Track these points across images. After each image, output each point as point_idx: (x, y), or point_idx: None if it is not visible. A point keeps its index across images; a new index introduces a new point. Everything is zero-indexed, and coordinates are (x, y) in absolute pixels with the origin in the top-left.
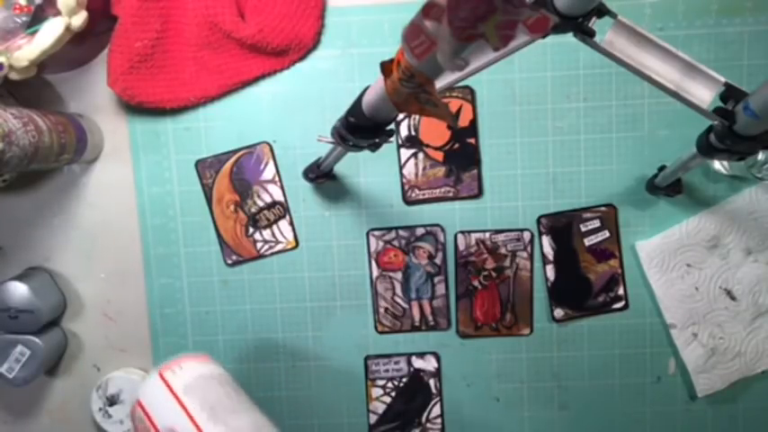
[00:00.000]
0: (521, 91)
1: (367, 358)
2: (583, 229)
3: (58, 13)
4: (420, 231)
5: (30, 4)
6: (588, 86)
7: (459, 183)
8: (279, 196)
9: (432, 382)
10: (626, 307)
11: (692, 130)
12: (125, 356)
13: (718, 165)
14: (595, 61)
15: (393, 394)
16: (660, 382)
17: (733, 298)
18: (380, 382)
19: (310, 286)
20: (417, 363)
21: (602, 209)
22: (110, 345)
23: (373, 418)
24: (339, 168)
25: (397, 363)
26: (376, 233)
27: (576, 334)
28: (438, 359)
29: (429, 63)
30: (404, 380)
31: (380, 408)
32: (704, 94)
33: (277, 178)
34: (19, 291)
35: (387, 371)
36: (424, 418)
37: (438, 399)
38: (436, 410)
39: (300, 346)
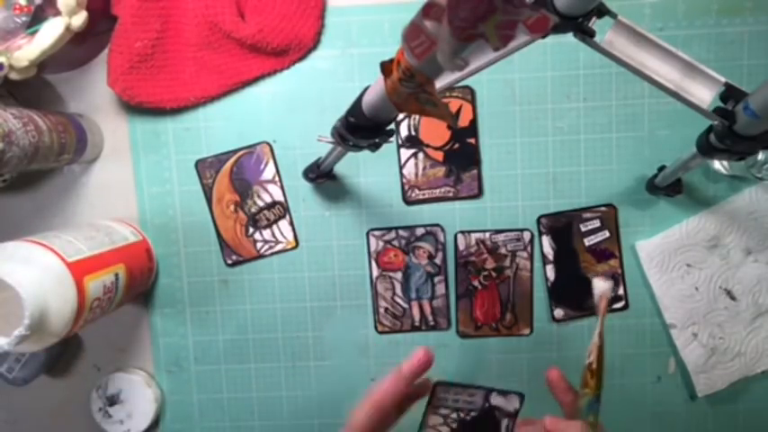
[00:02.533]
0: (521, 91)
1: (437, 385)
2: (583, 229)
3: (58, 13)
4: (420, 231)
5: (30, 4)
6: (588, 86)
7: (459, 183)
8: (279, 196)
9: (505, 422)
10: (626, 307)
11: (692, 130)
12: (125, 356)
13: (718, 165)
14: (595, 61)
15: (454, 426)
16: (660, 382)
17: (733, 298)
18: (444, 411)
19: (310, 286)
20: (496, 400)
21: (602, 209)
22: (110, 345)
23: None
24: (339, 168)
25: (471, 395)
26: (376, 233)
27: (575, 334)
28: (522, 401)
29: (429, 63)
30: (472, 413)
31: None
32: (704, 94)
33: (277, 178)
34: None
35: (456, 401)
36: None
37: None
38: None
39: (300, 346)
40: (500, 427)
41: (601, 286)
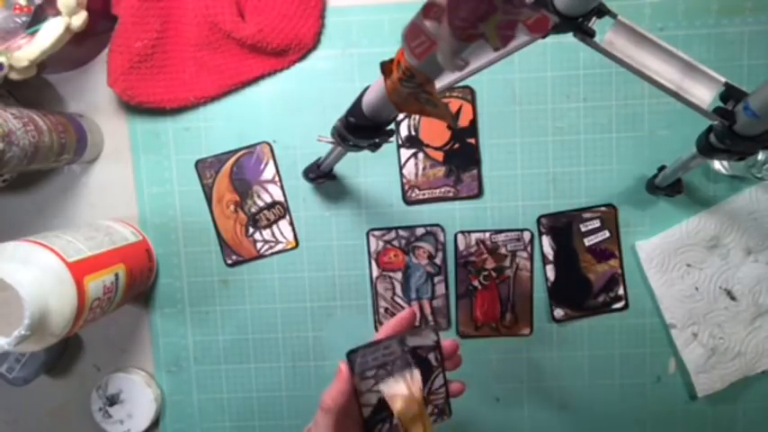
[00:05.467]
0: (521, 91)
1: (350, 353)
2: (583, 229)
3: (58, 13)
4: (420, 231)
5: (30, 4)
6: (588, 86)
7: (459, 183)
8: (279, 196)
9: (431, 355)
10: (626, 307)
11: (692, 130)
12: (125, 356)
13: (718, 165)
14: (595, 61)
15: (389, 380)
16: (660, 382)
17: (733, 298)
18: (370, 373)
19: (310, 286)
20: (413, 341)
21: (602, 209)
22: (110, 345)
23: (367, 411)
24: (339, 168)
25: (387, 347)
26: (376, 233)
27: (575, 334)
28: (435, 331)
29: (429, 63)
30: (397, 362)
31: (375, 397)
32: (704, 94)
33: (277, 178)
34: None
35: (376, 359)
36: (426, 392)
37: (440, 369)
38: (439, 381)
39: (300, 346)
40: (430, 362)
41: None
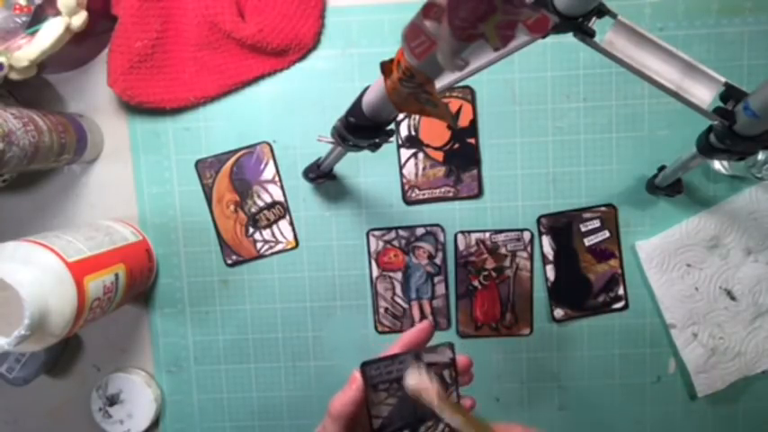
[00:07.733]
0: (521, 91)
1: (364, 365)
2: (583, 229)
3: (58, 13)
4: (420, 231)
5: (30, 4)
6: (588, 86)
7: (459, 183)
8: (279, 196)
9: (446, 372)
10: (626, 307)
11: (692, 130)
12: (125, 356)
13: (718, 165)
14: (595, 61)
15: (400, 394)
16: (660, 382)
17: (733, 298)
18: (383, 386)
19: (310, 286)
20: (428, 358)
21: (602, 209)
22: (110, 345)
23: (377, 423)
24: (339, 168)
25: (402, 362)
26: (376, 233)
27: (576, 334)
28: (452, 348)
29: (429, 63)
30: None
31: (386, 410)
32: (704, 94)
33: (277, 178)
34: None
35: (390, 372)
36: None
37: (453, 387)
38: (453, 399)
39: (300, 346)
40: (444, 379)
41: (412, 380)
